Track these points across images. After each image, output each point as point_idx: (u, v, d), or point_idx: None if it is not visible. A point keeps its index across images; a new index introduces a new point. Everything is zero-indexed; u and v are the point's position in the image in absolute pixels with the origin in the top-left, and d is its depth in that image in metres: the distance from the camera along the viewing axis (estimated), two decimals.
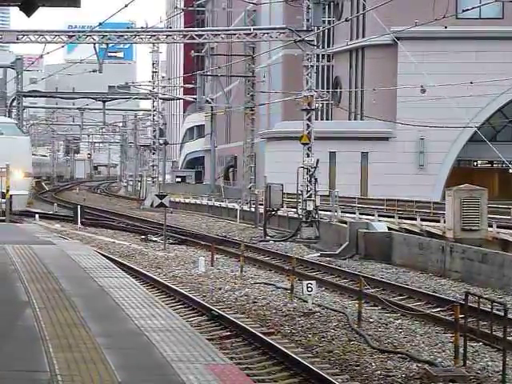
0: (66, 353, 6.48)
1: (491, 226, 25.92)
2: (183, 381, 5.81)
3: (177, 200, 54.23)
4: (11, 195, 32.10)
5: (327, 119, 56.84)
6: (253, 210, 37.73)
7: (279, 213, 34.00)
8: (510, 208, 31.32)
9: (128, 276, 11.42)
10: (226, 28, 45.05)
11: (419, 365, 11.39)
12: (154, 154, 57.62)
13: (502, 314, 11.77)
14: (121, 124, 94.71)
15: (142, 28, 36.90)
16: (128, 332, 7.38)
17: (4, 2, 11.86)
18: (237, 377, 6.08)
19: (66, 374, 5.90)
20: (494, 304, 12.25)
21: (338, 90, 53.92)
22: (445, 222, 24.17)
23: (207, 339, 8.41)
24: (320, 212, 31.15)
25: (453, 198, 22.14)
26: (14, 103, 55.49)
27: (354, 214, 34.64)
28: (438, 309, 15.63)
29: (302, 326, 13.92)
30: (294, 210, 34.09)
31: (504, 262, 19.29)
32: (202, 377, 5.94)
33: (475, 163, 52.62)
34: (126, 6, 18.21)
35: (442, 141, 48.51)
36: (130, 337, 7.18)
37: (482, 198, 22.06)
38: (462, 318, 11.91)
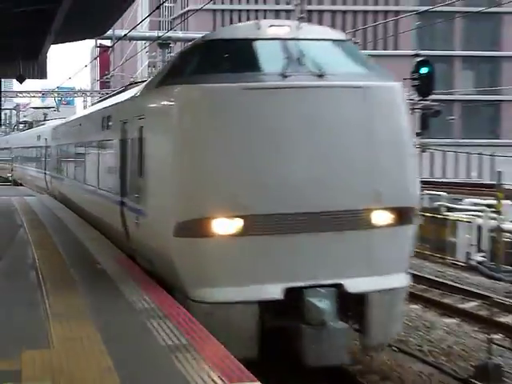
0: (42, 250, 12.95)
1: None
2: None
3: None
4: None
5: None
6: None
7: None
8: None
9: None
10: None
11: None
12: None
13: None
14: None
15: (79, 90, 60.32)
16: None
17: (5, 75, 19.04)
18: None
19: (40, 258, 12.20)
20: None
21: None
22: None
23: None
24: None
25: None
26: None
27: None
28: None
29: None
30: None
31: None
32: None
33: None
34: (69, 78, 26.72)
35: None
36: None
37: None
38: None
